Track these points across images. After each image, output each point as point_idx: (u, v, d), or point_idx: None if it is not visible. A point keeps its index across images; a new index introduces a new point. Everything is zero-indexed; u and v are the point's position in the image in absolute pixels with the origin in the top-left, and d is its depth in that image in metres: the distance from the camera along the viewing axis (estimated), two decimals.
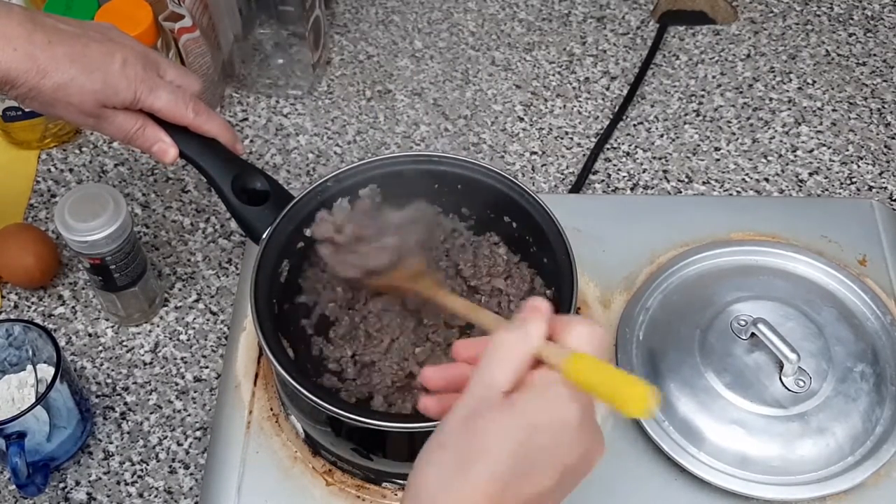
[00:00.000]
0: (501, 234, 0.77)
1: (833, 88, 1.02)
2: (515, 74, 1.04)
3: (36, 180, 0.96)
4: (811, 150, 0.97)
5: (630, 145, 0.98)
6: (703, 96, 1.02)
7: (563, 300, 0.68)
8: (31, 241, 0.86)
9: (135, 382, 0.83)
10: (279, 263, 0.73)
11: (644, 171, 0.96)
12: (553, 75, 1.04)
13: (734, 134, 0.99)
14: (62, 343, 0.85)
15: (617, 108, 1.00)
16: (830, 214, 0.85)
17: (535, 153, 0.97)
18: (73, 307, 0.87)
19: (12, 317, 0.87)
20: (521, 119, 1.00)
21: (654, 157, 0.97)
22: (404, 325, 0.73)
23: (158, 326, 0.86)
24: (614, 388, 0.43)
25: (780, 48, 1.06)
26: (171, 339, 0.85)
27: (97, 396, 0.82)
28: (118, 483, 0.78)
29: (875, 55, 1.05)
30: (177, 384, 0.83)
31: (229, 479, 0.72)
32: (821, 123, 0.99)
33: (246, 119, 1.01)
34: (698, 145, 0.98)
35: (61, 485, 0.78)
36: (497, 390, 0.47)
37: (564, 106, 1.01)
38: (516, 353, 0.47)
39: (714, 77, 1.04)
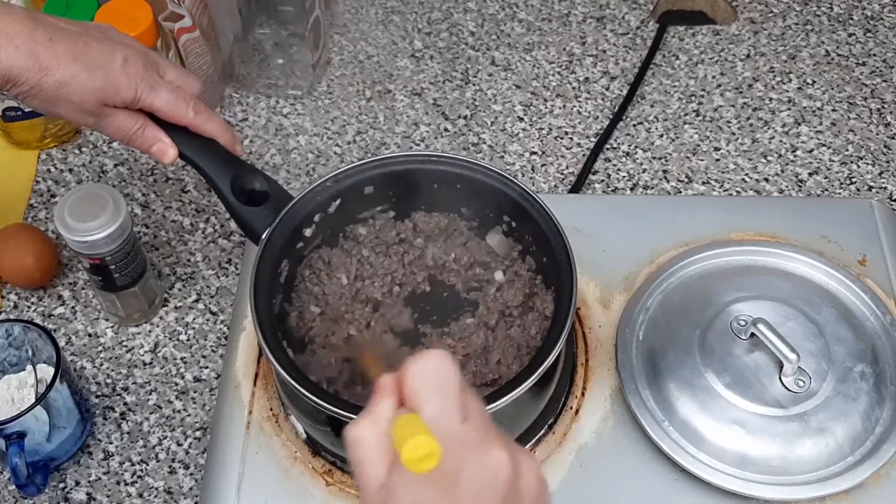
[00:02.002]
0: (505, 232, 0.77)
1: (833, 88, 1.02)
2: (515, 74, 1.04)
3: (36, 180, 0.96)
4: (811, 150, 0.97)
5: (630, 145, 0.98)
6: (702, 96, 1.02)
7: (563, 300, 0.68)
8: (31, 241, 0.86)
9: (134, 382, 0.83)
10: (279, 263, 0.73)
11: (644, 171, 0.96)
12: (553, 75, 1.04)
13: (734, 134, 0.99)
14: (62, 343, 0.85)
15: (617, 108, 1.00)
16: (830, 214, 0.85)
17: (535, 153, 0.97)
18: (72, 307, 0.87)
19: (12, 317, 0.87)
20: (521, 119, 1.00)
21: (654, 157, 0.97)
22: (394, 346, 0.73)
23: (158, 326, 0.86)
24: (401, 437, 0.43)
25: (780, 48, 1.06)
26: (170, 339, 0.85)
27: (97, 396, 0.82)
28: (118, 483, 0.78)
29: (875, 55, 1.05)
30: (176, 384, 0.83)
31: (229, 479, 0.72)
32: (820, 123, 0.99)
33: (246, 119, 1.01)
34: (698, 145, 0.98)
35: (61, 485, 0.78)
36: (377, 487, 0.46)
37: (564, 106, 1.01)
38: (373, 442, 0.46)
39: (714, 77, 1.04)
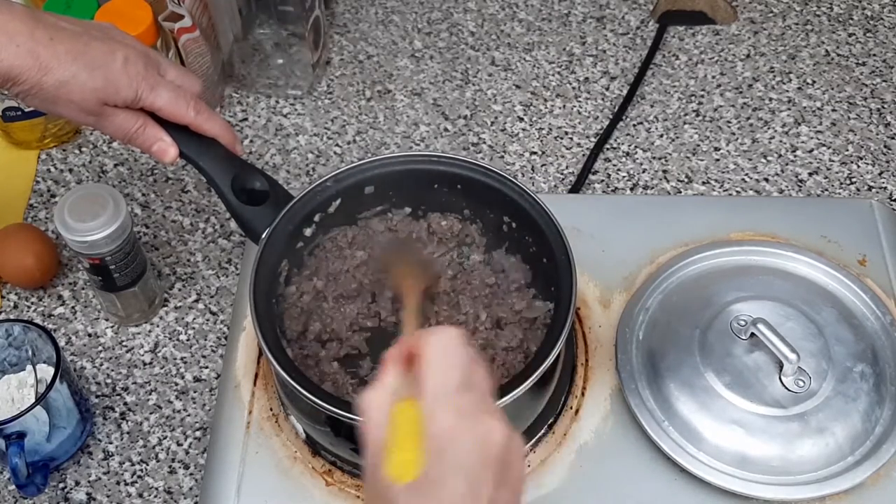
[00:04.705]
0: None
1: (833, 88, 1.02)
2: (515, 74, 1.04)
3: (36, 180, 0.96)
4: (811, 150, 0.97)
5: (630, 145, 0.98)
6: (702, 96, 1.02)
7: (563, 300, 0.68)
8: (31, 241, 0.86)
9: (134, 382, 0.83)
10: (278, 263, 0.73)
11: (644, 171, 0.96)
12: (553, 75, 1.04)
13: (734, 134, 0.99)
14: (62, 343, 0.85)
15: (617, 108, 1.00)
16: (830, 214, 0.85)
17: (535, 153, 0.97)
18: (72, 307, 0.87)
19: (12, 317, 0.87)
20: (521, 119, 1.00)
21: (654, 157, 0.97)
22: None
23: (158, 326, 0.86)
24: (387, 448, 0.47)
25: (780, 48, 1.06)
26: (170, 339, 0.85)
27: (97, 396, 0.82)
28: (118, 483, 0.78)
29: (875, 55, 1.05)
30: (176, 384, 0.83)
31: (229, 479, 0.72)
32: (820, 123, 0.99)
33: (246, 119, 1.01)
34: (698, 145, 0.98)
35: (61, 485, 0.78)
36: (380, 447, 0.49)
37: (564, 106, 1.01)
38: (379, 408, 0.50)
39: (714, 77, 1.04)
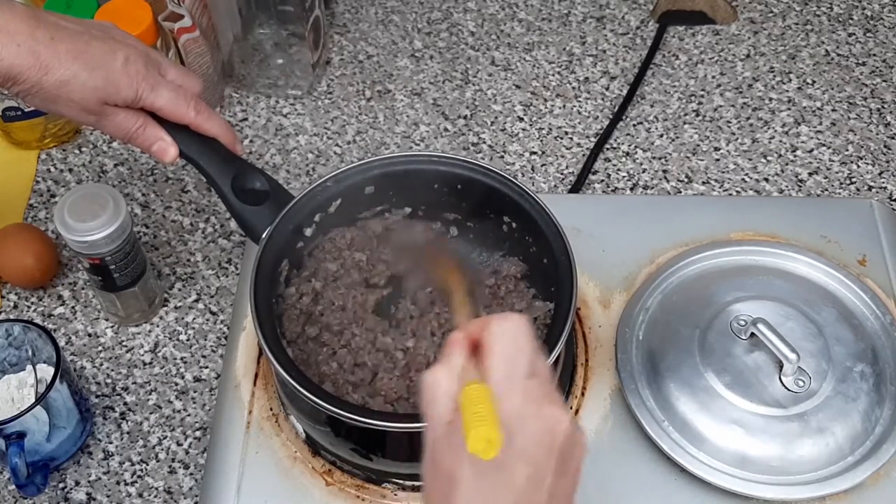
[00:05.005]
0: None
1: (833, 88, 1.02)
2: (515, 74, 1.04)
3: (36, 180, 0.96)
4: (811, 150, 0.97)
5: (630, 145, 0.98)
6: (702, 96, 1.02)
7: (563, 300, 0.68)
8: (31, 241, 0.86)
9: (134, 382, 0.83)
10: (279, 263, 0.73)
11: (644, 171, 0.96)
12: (553, 75, 1.04)
13: (734, 134, 0.99)
14: (62, 343, 0.85)
15: (617, 108, 1.00)
16: (830, 214, 0.85)
17: (535, 153, 0.97)
18: (72, 307, 0.87)
19: (12, 317, 0.87)
20: (521, 119, 1.00)
21: (654, 157, 0.97)
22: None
23: (158, 326, 0.86)
24: (468, 424, 0.47)
25: (780, 48, 1.06)
26: (170, 339, 0.85)
27: (97, 396, 0.82)
28: (118, 483, 0.78)
29: (875, 55, 1.05)
30: (176, 384, 0.83)
31: (229, 479, 0.72)
32: (820, 123, 0.99)
33: (246, 119, 1.01)
34: (698, 145, 0.98)
35: (61, 485, 0.78)
36: (442, 423, 0.50)
37: (564, 106, 1.01)
38: (444, 387, 0.51)
39: (714, 77, 1.04)
